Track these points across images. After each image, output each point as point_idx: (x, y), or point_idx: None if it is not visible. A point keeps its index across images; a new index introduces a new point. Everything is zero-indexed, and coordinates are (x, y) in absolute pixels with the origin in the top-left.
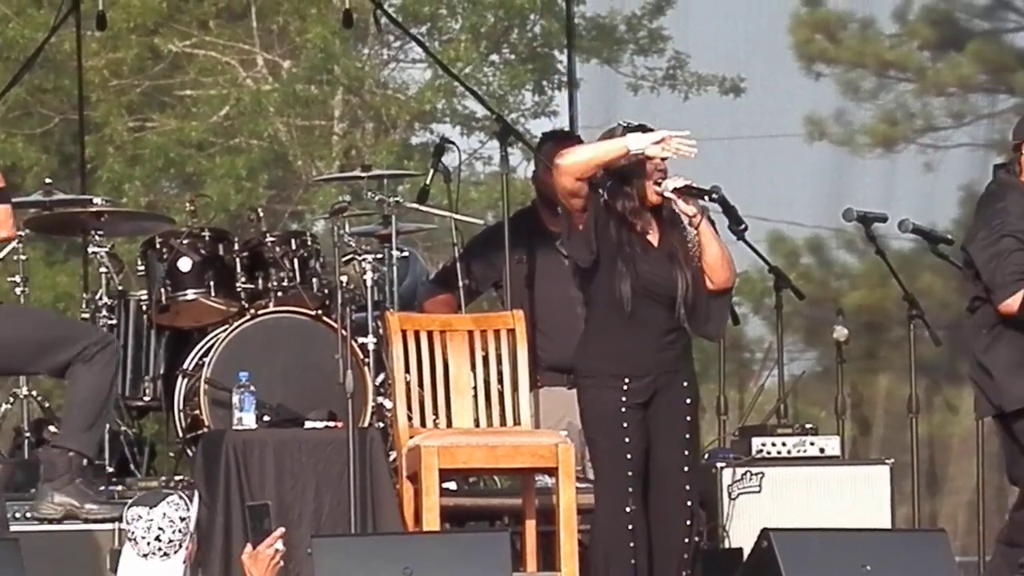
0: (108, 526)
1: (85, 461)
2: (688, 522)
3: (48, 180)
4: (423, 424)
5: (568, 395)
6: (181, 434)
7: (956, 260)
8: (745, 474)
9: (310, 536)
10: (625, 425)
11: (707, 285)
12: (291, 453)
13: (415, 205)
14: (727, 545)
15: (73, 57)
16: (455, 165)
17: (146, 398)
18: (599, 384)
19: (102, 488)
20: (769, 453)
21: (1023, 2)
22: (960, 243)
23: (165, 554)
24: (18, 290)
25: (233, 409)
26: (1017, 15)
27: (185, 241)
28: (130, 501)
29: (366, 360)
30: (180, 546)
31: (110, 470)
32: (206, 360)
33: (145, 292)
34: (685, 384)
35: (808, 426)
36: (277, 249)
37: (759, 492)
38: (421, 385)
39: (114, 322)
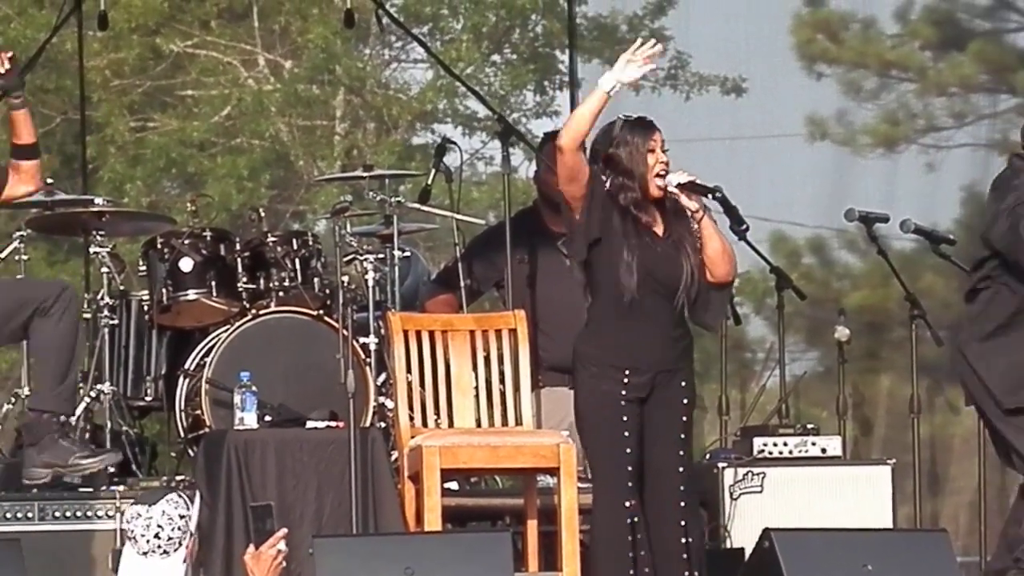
0: (110, 525)
1: (63, 417)
2: (683, 523)
3: (50, 180)
4: (424, 424)
5: (569, 395)
6: (182, 434)
7: (958, 260)
8: (747, 474)
9: (311, 536)
10: (625, 419)
11: (707, 278)
12: (292, 453)
13: (417, 205)
14: (729, 545)
15: (75, 57)
16: (457, 165)
17: (147, 398)
18: (599, 375)
19: (90, 448)
20: (771, 453)
21: None
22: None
23: (165, 552)
24: None
25: (234, 409)
26: (1018, 15)
27: (187, 241)
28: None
29: (367, 360)
30: (180, 544)
31: (112, 470)
32: (207, 360)
33: (147, 292)
34: (683, 384)
35: (810, 426)
36: (278, 249)
37: (761, 492)
38: (423, 385)
39: (116, 322)
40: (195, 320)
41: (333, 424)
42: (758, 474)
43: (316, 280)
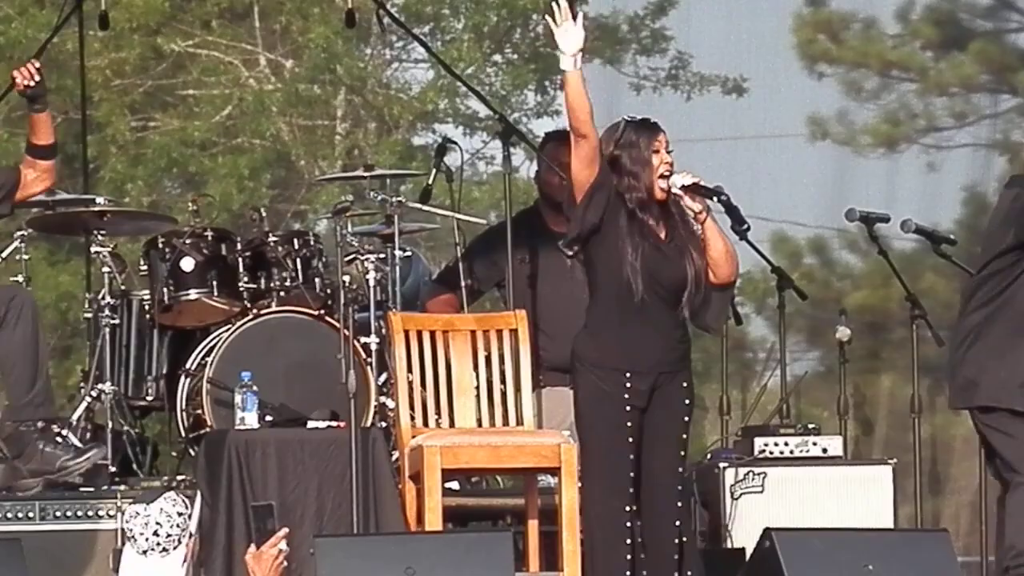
0: (110, 524)
1: (41, 424)
2: (678, 523)
3: None
4: (425, 424)
5: (570, 395)
6: (183, 434)
7: (959, 260)
8: (748, 474)
9: (312, 536)
10: (628, 424)
11: (710, 279)
12: (293, 453)
13: (417, 205)
14: (729, 545)
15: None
16: (457, 165)
17: (148, 398)
18: (601, 377)
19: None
20: (772, 453)
21: None
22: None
23: (164, 549)
24: None
25: (235, 409)
26: (1020, 15)
27: (188, 241)
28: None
29: (368, 360)
30: (179, 542)
31: (113, 470)
32: (208, 360)
33: (148, 292)
34: (684, 384)
35: (811, 426)
36: (279, 249)
37: (762, 492)
38: (424, 385)
39: (117, 322)
40: (196, 320)
41: (334, 424)
42: (759, 474)
43: (317, 280)
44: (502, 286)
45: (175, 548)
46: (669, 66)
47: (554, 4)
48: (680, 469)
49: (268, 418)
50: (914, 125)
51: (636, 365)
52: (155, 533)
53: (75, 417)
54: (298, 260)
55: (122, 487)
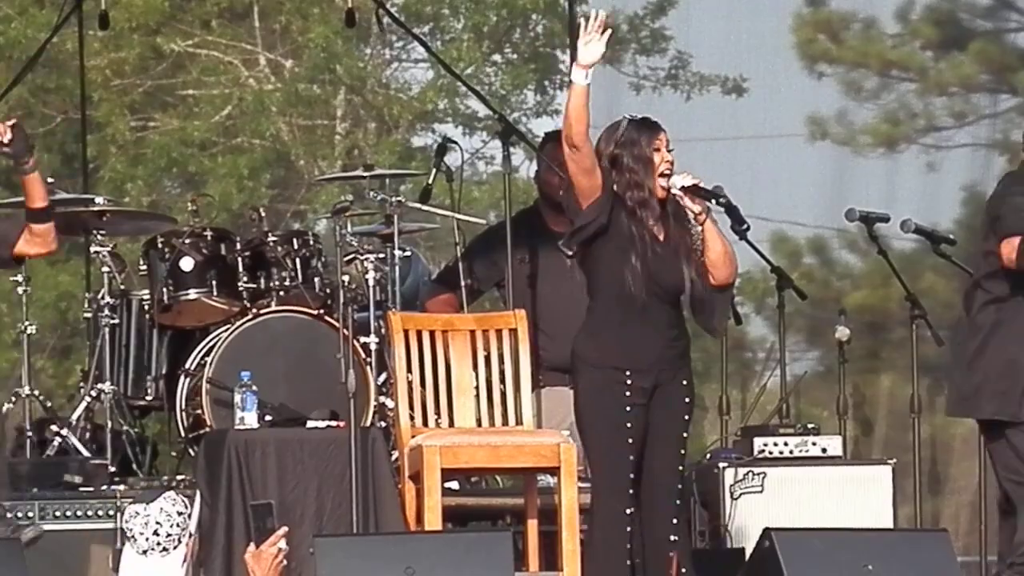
0: (110, 524)
1: None
2: (674, 521)
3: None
4: (425, 424)
5: (570, 395)
6: (183, 434)
7: (958, 260)
8: (747, 474)
9: (312, 536)
10: (629, 426)
11: (709, 280)
12: (293, 453)
13: (417, 205)
14: (729, 545)
15: (75, 57)
16: (457, 165)
17: (148, 398)
18: (601, 377)
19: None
20: (771, 453)
21: None
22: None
23: (164, 549)
24: (20, 289)
25: (235, 409)
26: (1019, 15)
27: (187, 241)
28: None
29: (368, 360)
30: (179, 541)
31: (112, 469)
32: (208, 360)
33: (147, 292)
34: (684, 383)
35: (810, 426)
36: (279, 249)
37: (761, 492)
38: (423, 385)
39: (116, 321)
40: (196, 319)
41: (333, 424)
42: (758, 474)
43: (317, 280)
44: (502, 286)
45: (175, 548)
46: (669, 66)
47: (592, 11)
48: (680, 467)
49: (268, 418)
50: (914, 125)
51: (636, 364)
52: (155, 533)
53: (75, 417)
54: (297, 260)
55: (122, 487)
